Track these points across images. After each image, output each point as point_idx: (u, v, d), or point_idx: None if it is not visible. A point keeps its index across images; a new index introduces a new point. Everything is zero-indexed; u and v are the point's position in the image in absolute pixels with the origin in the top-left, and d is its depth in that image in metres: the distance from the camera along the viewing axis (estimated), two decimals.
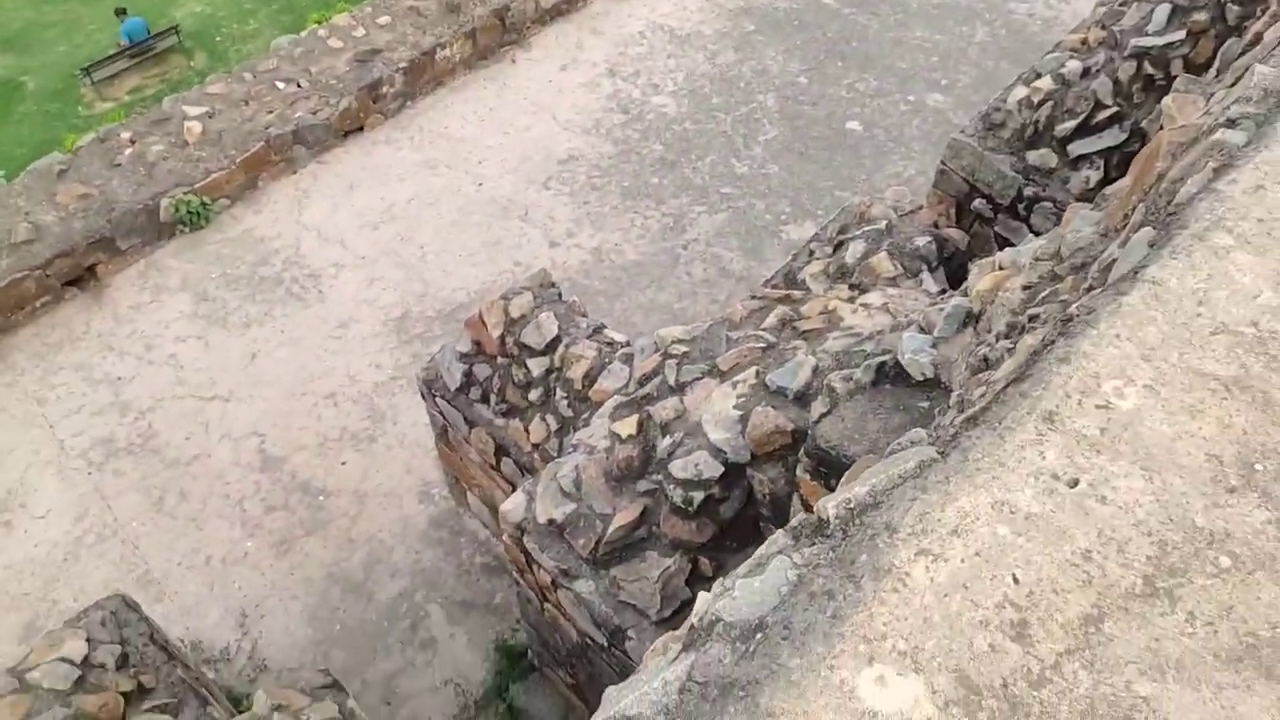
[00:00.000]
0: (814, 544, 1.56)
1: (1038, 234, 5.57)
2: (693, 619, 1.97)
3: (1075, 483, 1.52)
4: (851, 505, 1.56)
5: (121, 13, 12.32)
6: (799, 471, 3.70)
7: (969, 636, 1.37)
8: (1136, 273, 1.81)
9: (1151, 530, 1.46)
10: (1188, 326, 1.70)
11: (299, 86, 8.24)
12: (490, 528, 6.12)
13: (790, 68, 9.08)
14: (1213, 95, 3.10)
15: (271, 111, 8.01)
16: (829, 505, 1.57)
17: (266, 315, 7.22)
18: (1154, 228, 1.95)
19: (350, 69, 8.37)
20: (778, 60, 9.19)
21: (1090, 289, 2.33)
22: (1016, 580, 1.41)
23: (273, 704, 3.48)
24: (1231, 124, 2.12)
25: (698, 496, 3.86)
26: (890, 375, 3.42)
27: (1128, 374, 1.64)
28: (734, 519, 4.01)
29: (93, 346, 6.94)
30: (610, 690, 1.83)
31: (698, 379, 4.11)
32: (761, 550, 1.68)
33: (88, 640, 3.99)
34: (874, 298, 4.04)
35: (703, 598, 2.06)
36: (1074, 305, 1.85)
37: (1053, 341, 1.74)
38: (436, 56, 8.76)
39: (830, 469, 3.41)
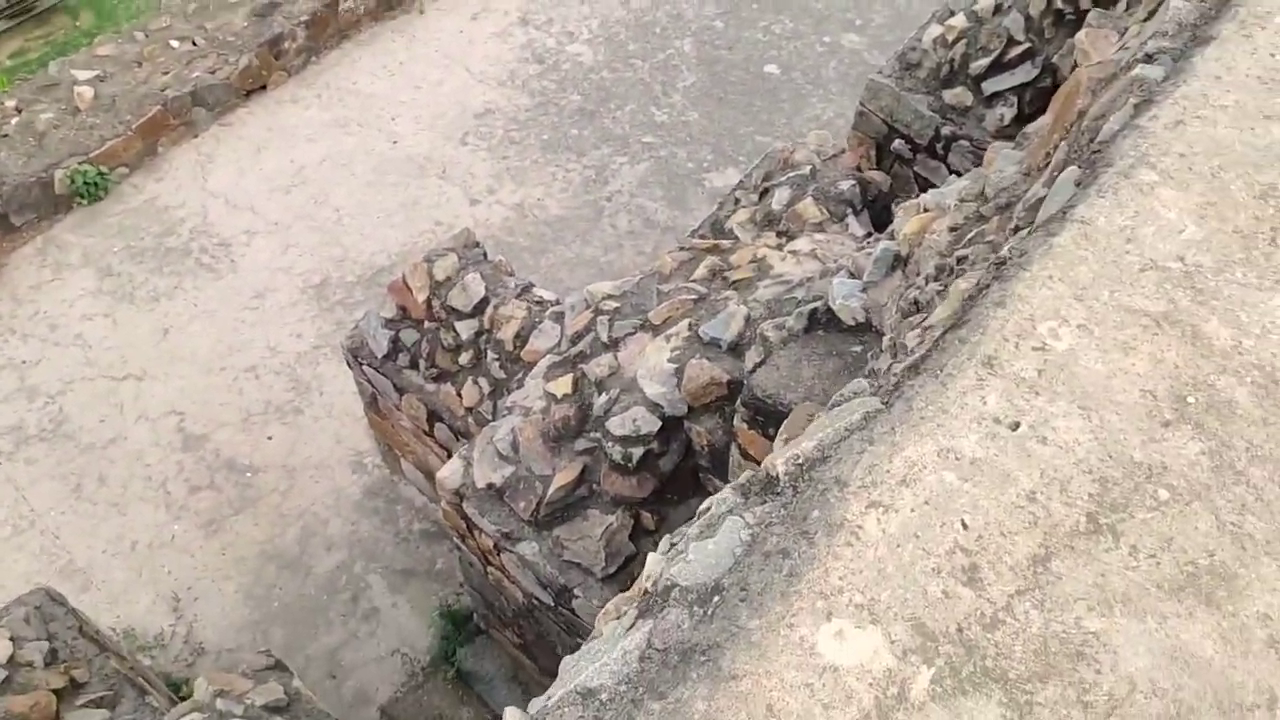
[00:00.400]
0: (765, 502, 1.55)
1: (956, 173, 5.63)
2: (645, 583, 1.96)
3: (1016, 425, 1.54)
4: (800, 461, 1.55)
5: None
6: (736, 421, 3.71)
7: (923, 585, 1.38)
8: (1065, 213, 1.83)
9: (1092, 468, 1.49)
10: (1117, 264, 1.73)
11: (195, 45, 7.84)
12: (427, 494, 6.04)
13: (705, 11, 8.97)
14: (1126, 30, 3.15)
15: (167, 73, 7.61)
16: (778, 462, 1.56)
17: (176, 288, 6.93)
18: (1079, 166, 1.97)
19: (249, 24, 7.99)
20: (693, 4, 9.07)
21: (1017, 229, 2.36)
22: (965, 526, 1.43)
23: (214, 690, 3.39)
24: (1149, 59, 2.15)
25: (637, 452, 3.85)
26: (822, 321, 3.44)
27: (1061, 314, 1.66)
28: (674, 472, 4.03)
29: None
30: (567, 660, 1.81)
31: (630, 334, 4.08)
32: (712, 510, 1.67)
33: (11, 639, 3.84)
34: (802, 244, 4.05)
35: (653, 559, 2.05)
36: (1005, 247, 1.86)
37: (987, 285, 1.75)
38: (340, 8, 8.40)
39: (767, 418, 3.43)
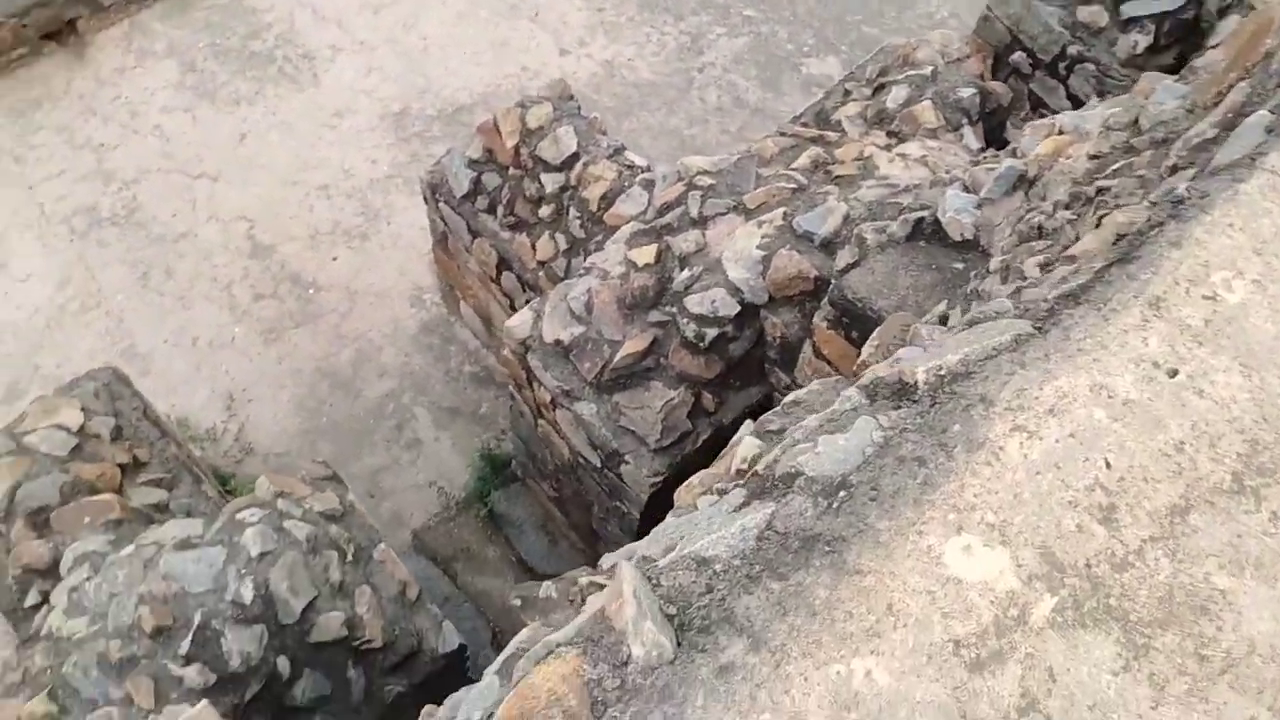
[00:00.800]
0: (899, 407, 1.53)
1: (1075, 97, 5.37)
2: (740, 464, 1.97)
3: (1175, 373, 1.49)
4: (942, 372, 1.52)
5: None
6: (816, 319, 3.67)
7: (1057, 516, 1.37)
8: (1254, 159, 1.73)
9: (1245, 428, 1.45)
10: None
11: None
12: (481, 338, 6.10)
13: None
14: None
15: None
16: (918, 370, 1.53)
17: (257, 94, 6.86)
18: (1272, 111, 1.85)
19: None
20: None
21: (1175, 168, 2.25)
22: (1109, 465, 1.41)
23: (275, 490, 3.52)
24: None
25: (711, 333, 3.84)
26: (926, 232, 3.35)
27: (1238, 266, 1.59)
28: (742, 358, 4.02)
29: (74, 108, 6.57)
30: (662, 528, 1.84)
31: (721, 214, 4.00)
32: (835, 406, 1.66)
33: (83, 409, 3.96)
34: (912, 148, 3.90)
35: (751, 443, 2.05)
36: (1181, 186, 1.77)
37: (1161, 223, 1.67)
38: None
39: (853, 321, 3.38)
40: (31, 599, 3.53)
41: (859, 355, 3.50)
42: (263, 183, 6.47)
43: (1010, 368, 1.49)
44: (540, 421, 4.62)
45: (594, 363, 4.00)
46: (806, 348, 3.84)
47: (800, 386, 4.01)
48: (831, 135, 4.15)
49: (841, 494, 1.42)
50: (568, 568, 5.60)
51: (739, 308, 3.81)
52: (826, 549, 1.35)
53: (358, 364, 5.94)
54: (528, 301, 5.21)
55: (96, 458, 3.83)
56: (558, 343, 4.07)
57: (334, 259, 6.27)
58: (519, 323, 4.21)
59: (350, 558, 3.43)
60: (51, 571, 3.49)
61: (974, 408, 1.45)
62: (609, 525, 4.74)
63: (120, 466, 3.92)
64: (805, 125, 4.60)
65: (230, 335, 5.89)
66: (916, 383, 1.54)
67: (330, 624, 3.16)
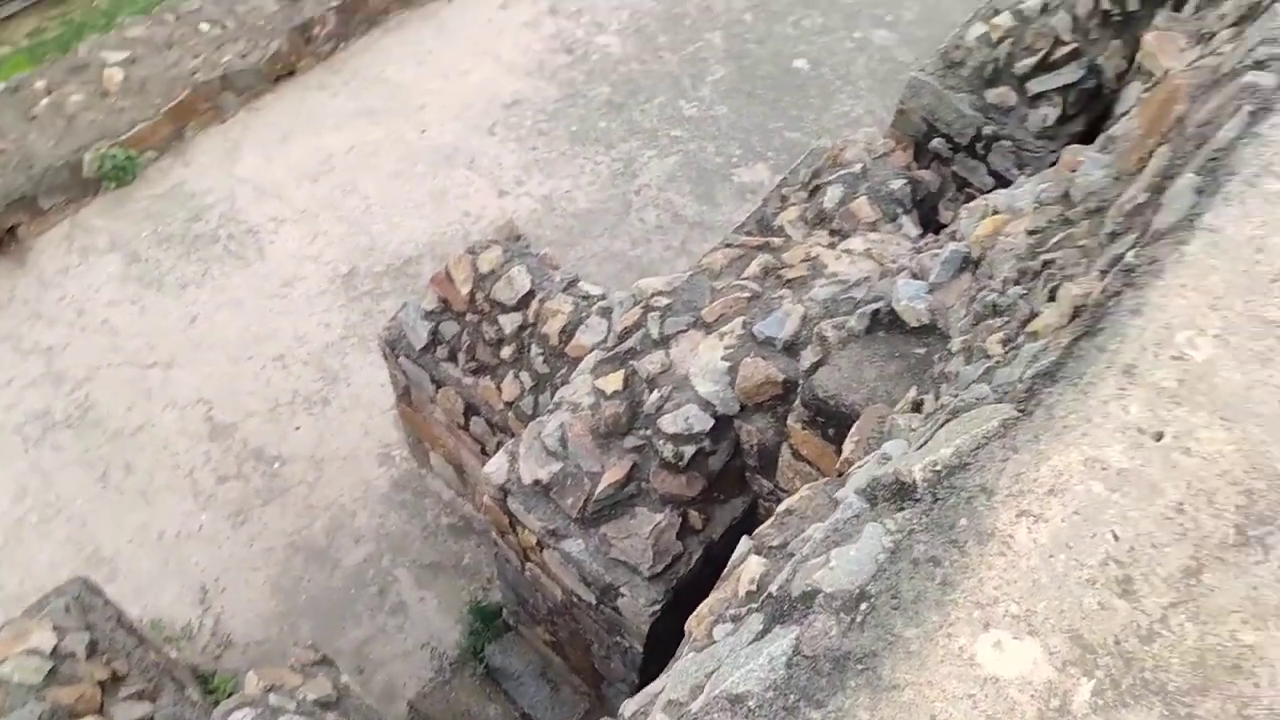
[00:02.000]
0: (902, 508, 1.53)
1: (996, 173, 5.62)
2: (754, 586, 1.93)
3: (1160, 436, 1.51)
4: (938, 468, 1.53)
5: None
6: (791, 421, 3.69)
7: (1078, 596, 1.36)
8: (1192, 220, 1.80)
9: (1237, 479, 1.47)
10: (1249, 274, 1.70)
11: (225, 28, 7.78)
12: (455, 488, 6.02)
13: (735, 4, 8.93)
14: (1204, 34, 3.12)
15: (197, 56, 7.55)
16: (915, 469, 1.54)
17: (204, 275, 6.90)
18: (1197, 174, 1.94)
19: (279, 8, 7.93)
20: None
21: (1114, 234, 2.34)
22: (1116, 537, 1.41)
23: (265, 685, 3.37)
24: (1260, 66, 2.12)
25: (688, 450, 3.83)
26: (884, 322, 3.42)
27: (1198, 324, 1.64)
28: (722, 471, 4.01)
29: (19, 314, 6.54)
30: (683, 667, 1.79)
31: (682, 331, 4.05)
32: (838, 515, 1.65)
33: (55, 629, 3.81)
34: (856, 243, 4.02)
35: (756, 562, 2.02)
36: (1130, 253, 1.83)
37: (1118, 292, 1.72)
38: None
39: (828, 419, 3.41)
40: None
41: (838, 451, 3.51)
42: (217, 362, 6.44)
43: (1004, 454, 1.50)
44: (528, 565, 4.52)
45: (576, 498, 3.95)
46: (785, 451, 3.84)
47: (784, 490, 4.01)
48: (776, 240, 4.27)
49: (863, 606, 1.40)
50: (572, 715, 5.40)
51: (713, 421, 3.82)
52: (859, 667, 1.32)
53: (331, 533, 5.81)
54: (499, 445, 5.17)
55: (73, 679, 3.66)
56: (537, 482, 4.03)
57: (296, 429, 6.20)
58: (495, 468, 4.17)
59: None
60: None
61: (976, 499, 1.45)
62: (611, 662, 4.60)
63: (100, 684, 3.75)
64: (750, 234, 4.73)
65: (197, 524, 5.74)
66: (915, 481, 1.54)
67: None
